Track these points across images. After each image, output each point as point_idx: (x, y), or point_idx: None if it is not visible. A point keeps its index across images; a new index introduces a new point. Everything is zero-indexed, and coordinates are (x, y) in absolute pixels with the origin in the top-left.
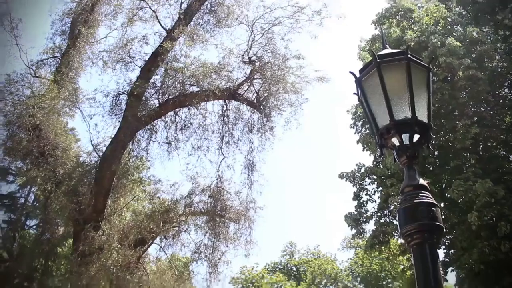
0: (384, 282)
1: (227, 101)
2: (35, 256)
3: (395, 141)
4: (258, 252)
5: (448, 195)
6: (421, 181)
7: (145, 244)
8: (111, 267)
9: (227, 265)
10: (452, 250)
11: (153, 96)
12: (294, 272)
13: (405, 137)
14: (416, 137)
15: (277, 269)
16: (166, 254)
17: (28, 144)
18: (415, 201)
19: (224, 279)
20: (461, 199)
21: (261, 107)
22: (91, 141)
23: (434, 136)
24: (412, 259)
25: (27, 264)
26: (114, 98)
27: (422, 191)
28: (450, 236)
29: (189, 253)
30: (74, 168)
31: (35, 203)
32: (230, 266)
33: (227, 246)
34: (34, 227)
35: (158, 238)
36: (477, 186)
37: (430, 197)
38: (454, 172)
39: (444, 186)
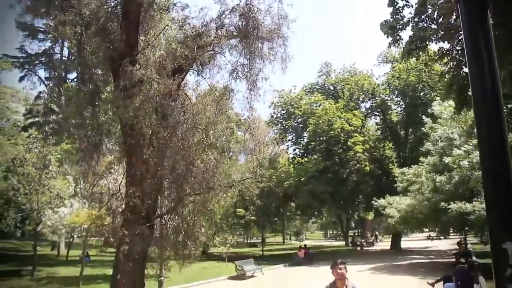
0: (421, 94)
1: None
2: (82, 105)
3: None
4: (294, 68)
5: None
6: None
7: (183, 71)
8: (154, 96)
9: (265, 80)
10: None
11: None
12: (332, 91)
13: None
14: None
15: (315, 89)
16: (204, 78)
17: None
18: None
19: (264, 95)
20: None
21: None
22: None
23: None
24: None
25: (76, 112)
26: None
27: None
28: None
29: (226, 74)
30: (99, 7)
31: (70, 57)
32: (268, 82)
33: (263, 62)
34: (75, 79)
35: (194, 64)
36: None
37: None
38: None
39: None
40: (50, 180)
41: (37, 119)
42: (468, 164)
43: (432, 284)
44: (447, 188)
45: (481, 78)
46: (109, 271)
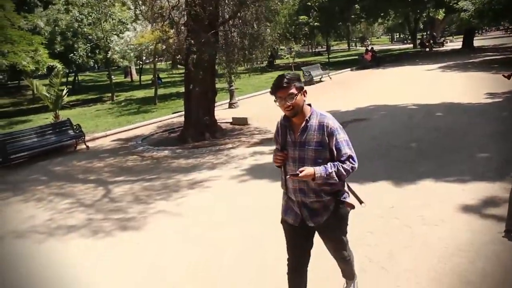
0: None
1: None
2: None
3: None
4: None
5: None
6: None
7: None
8: None
9: None
10: None
11: None
12: None
13: None
14: None
15: None
16: None
17: None
18: None
19: None
20: None
21: None
22: None
23: None
24: None
25: None
26: None
27: None
28: None
29: None
30: None
31: None
32: None
33: None
34: None
35: None
36: None
37: None
38: None
39: None
40: (109, 7)
41: None
42: None
43: (508, 76)
44: None
45: None
46: (181, 89)
